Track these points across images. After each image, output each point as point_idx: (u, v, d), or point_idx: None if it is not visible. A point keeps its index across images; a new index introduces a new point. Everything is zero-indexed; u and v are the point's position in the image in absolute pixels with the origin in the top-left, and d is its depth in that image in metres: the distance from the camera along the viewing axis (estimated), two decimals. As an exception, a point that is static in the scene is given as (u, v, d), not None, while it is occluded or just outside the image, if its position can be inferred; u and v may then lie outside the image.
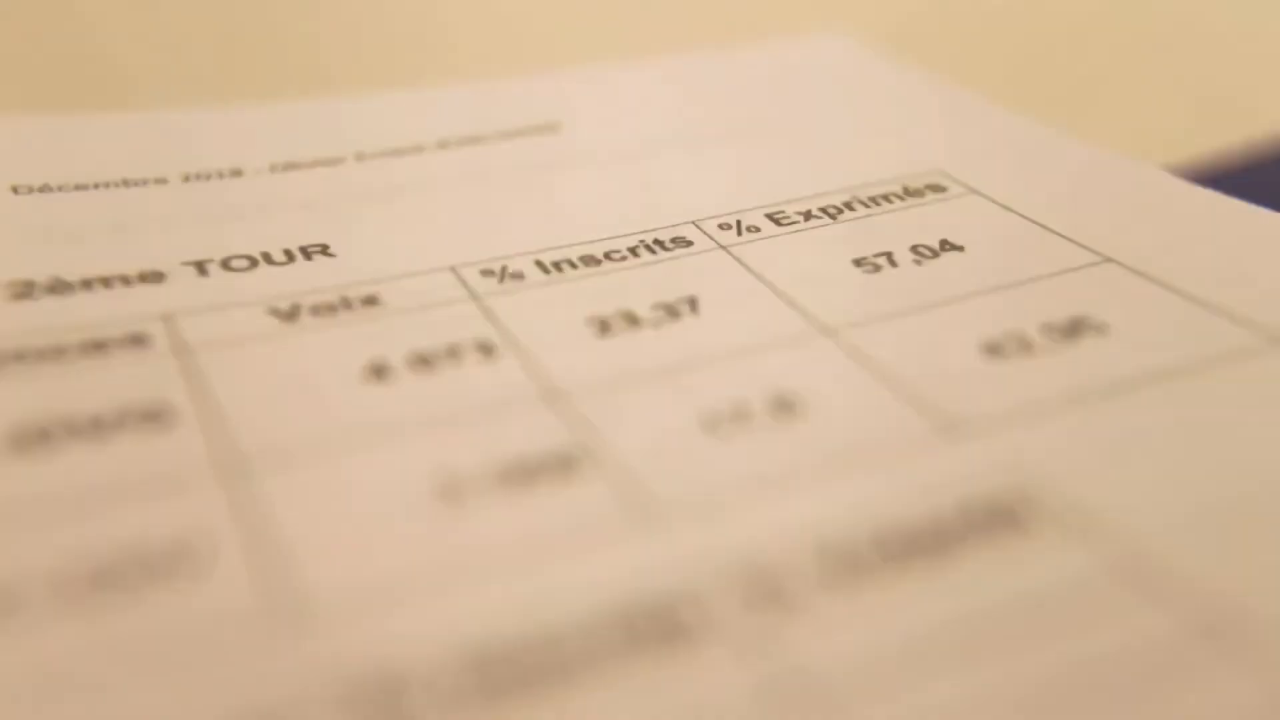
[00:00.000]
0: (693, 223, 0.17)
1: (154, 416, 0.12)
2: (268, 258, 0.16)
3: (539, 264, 0.16)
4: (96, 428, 0.12)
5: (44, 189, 0.17)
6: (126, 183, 0.18)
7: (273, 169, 0.18)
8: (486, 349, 0.14)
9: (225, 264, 0.15)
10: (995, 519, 0.11)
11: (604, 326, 0.14)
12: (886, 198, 0.18)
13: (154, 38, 0.25)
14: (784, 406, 0.13)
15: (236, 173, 0.18)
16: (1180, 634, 0.10)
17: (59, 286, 0.15)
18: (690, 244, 0.16)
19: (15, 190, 0.17)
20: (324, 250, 0.16)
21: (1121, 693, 0.09)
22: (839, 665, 0.09)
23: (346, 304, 0.14)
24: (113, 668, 0.09)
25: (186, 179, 0.18)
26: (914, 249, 0.16)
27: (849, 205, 0.17)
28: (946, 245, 0.16)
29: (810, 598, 0.10)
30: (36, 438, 0.12)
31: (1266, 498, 0.11)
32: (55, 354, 0.13)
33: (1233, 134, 0.20)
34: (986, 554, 0.11)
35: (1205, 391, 0.13)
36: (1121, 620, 0.10)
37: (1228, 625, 0.10)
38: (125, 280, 0.15)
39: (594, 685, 0.09)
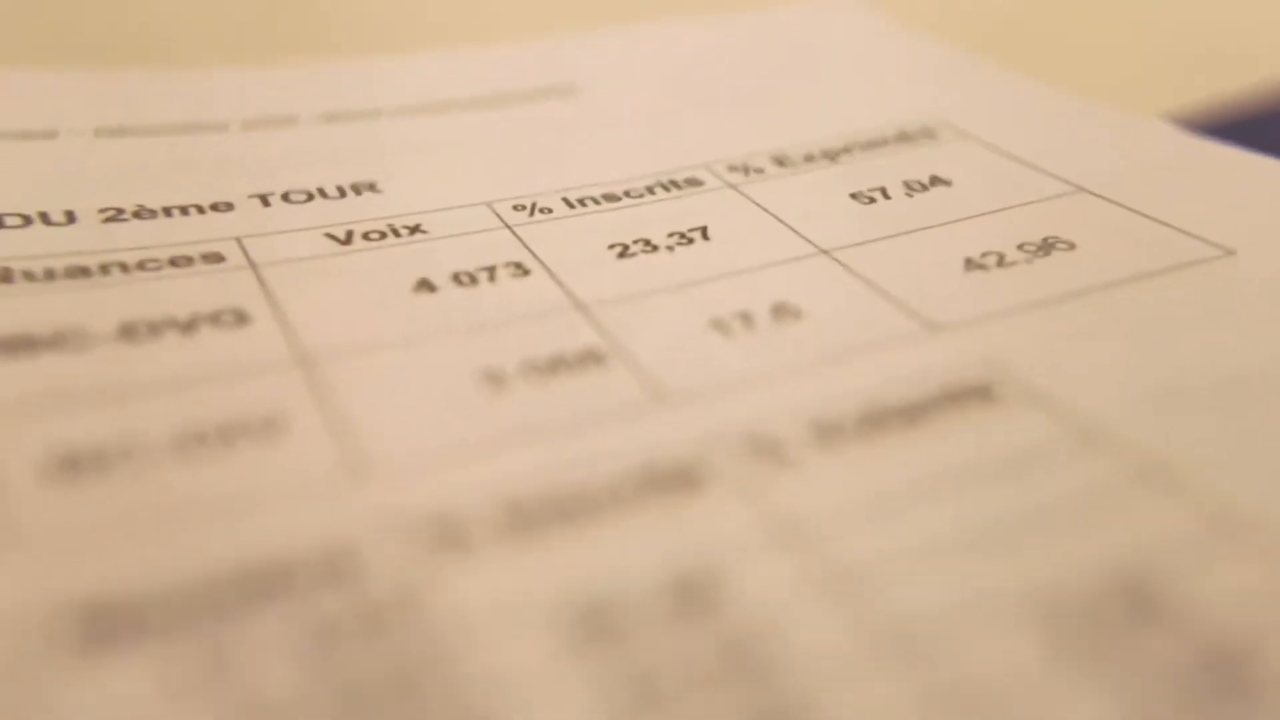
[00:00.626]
0: (704, 165, 0.18)
1: (234, 317, 0.14)
2: (322, 192, 0.17)
3: (565, 200, 0.17)
4: (190, 324, 0.14)
5: (121, 132, 0.19)
6: (192, 128, 0.19)
7: (321, 119, 0.20)
8: (520, 268, 0.15)
9: (285, 197, 0.17)
10: (967, 395, 0.13)
11: (624, 250, 0.16)
12: (883, 141, 0.19)
13: (217, 4, 0.27)
14: (785, 312, 0.14)
15: (290, 121, 0.20)
16: (1120, 477, 0.11)
17: (143, 213, 0.16)
18: (701, 183, 0.18)
19: (97, 133, 0.19)
20: (372, 188, 0.18)
21: (1069, 524, 0.11)
22: (826, 506, 0.11)
23: (394, 231, 0.16)
24: (214, 506, 0.11)
25: (246, 126, 0.20)
26: (906, 184, 0.18)
27: (847, 149, 0.19)
28: (936, 180, 0.18)
29: (803, 455, 0.12)
30: (141, 330, 0.14)
31: (1202, 378, 0.13)
32: (147, 266, 0.15)
33: (1214, 87, 0.22)
34: (957, 422, 0.12)
35: (1157, 295, 0.14)
36: (1071, 468, 0.11)
37: (1159, 470, 0.11)
38: (199, 209, 0.17)
39: (617, 520, 0.11)
